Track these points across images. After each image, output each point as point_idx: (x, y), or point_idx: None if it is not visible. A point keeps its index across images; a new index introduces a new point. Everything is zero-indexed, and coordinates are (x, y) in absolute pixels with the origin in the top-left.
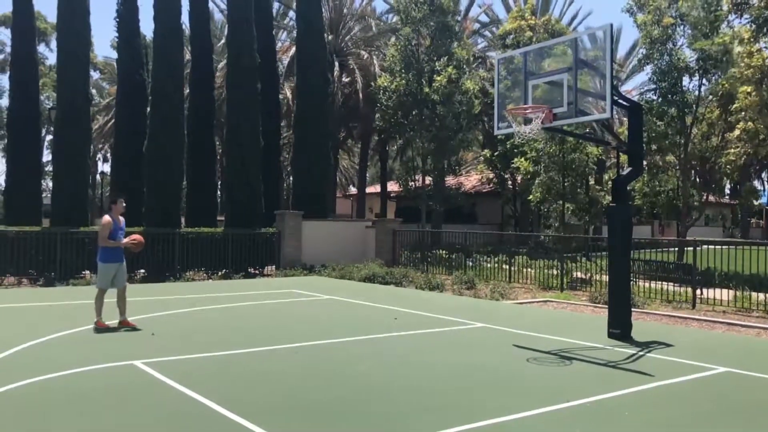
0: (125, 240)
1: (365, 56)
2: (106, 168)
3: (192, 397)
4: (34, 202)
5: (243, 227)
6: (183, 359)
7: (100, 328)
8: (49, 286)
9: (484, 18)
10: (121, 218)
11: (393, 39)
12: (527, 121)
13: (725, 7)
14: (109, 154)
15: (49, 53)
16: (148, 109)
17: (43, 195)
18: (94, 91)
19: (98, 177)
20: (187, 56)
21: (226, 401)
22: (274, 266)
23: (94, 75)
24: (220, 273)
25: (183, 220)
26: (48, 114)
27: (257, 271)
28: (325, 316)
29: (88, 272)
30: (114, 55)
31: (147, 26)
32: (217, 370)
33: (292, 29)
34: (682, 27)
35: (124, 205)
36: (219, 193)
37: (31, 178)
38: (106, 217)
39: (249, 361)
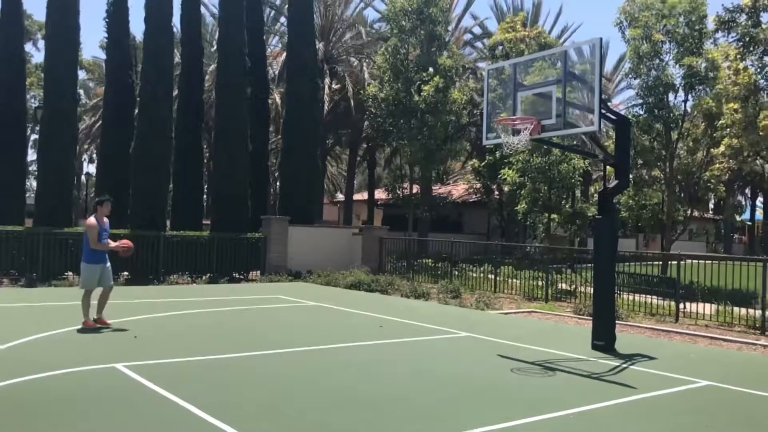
0: (114, 244)
1: (356, 63)
2: (92, 169)
3: (173, 401)
4: (17, 202)
5: (229, 231)
6: (165, 363)
7: (87, 328)
8: (31, 286)
9: (477, 30)
10: (106, 220)
11: (382, 48)
12: (516, 132)
13: (712, 25)
14: (95, 155)
15: (35, 52)
16: (136, 110)
17: (27, 195)
18: (81, 92)
19: (83, 178)
20: (177, 58)
21: (208, 406)
22: (259, 271)
23: (82, 75)
24: (204, 277)
25: (168, 222)
26: (34, 113)
27: (242, 276)
28: (310, 322)
29: (71, 273)
30: (102, 55)
31: (137, 27)
32: (200, 375)
33: (283, 35)
34: (669, 44)
35: (110, 207)
36: (205, 196)
37: (16, 177)
38: (92, 219)
39: (232, 367)
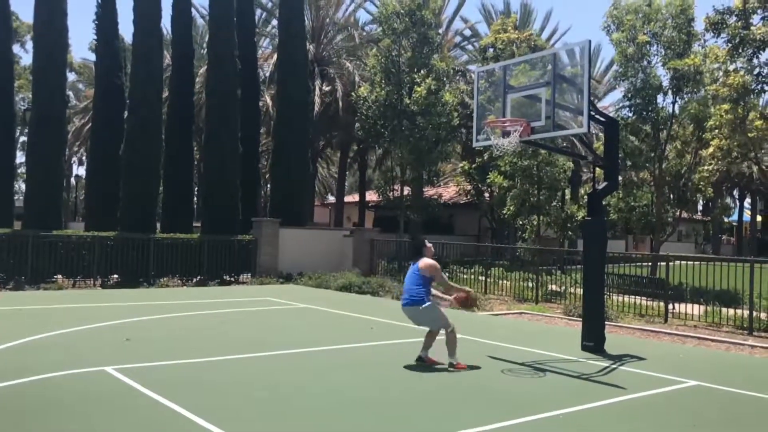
0: (452, 297)
1: (347, 65)
2: (82, 171)
3: (164, 404)
4: (5, 204)
5: (219, 234)
6: (155, 366)
7: (460, 369)
8: (19, 290)
9: (467, 32)
10: None
11: (374, 50)
12: (505, 134)
13: (702, 26)
14: (84, 157)
15: (23, 53)
16: (126, 112)
17: (16, 197)
18: (70, 94)
19: (73, 180)
20: (167, 60)
21: (198, 409)
22: (249, 274)
23: (71, 77)
24: (194, 280)
25: (158, 225)
26: (23, 115)
27: (232, 279)
28: (301, 325)
29: (60, 276)
30: (92, 57)
31: (127, 29)
32: (190, 378)
33: (274, 37)
34: (656, 46)
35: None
36: (196, 198)
37: (4, 179)
38: (434, 261)
39: (222, 369)
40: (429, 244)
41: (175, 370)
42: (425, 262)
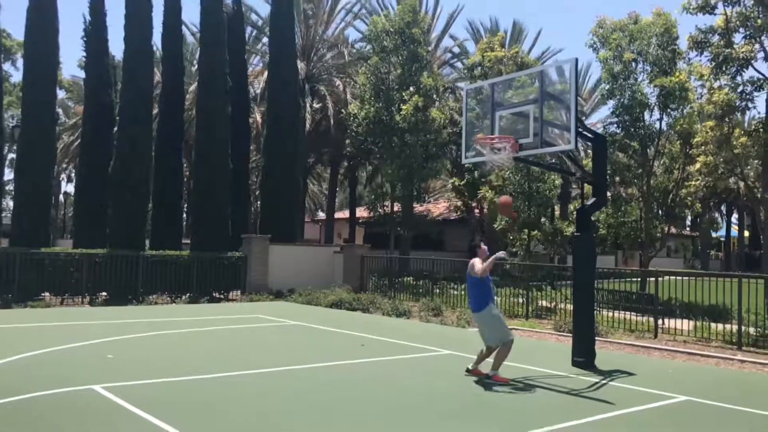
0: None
1: (337, 83)
2: (70, 188)
3: (153, 422)
4: None
5: (209, 251)
6: (144, 384)
7: (499, 383)
8: (6, 308)
9: (456, 50)
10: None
11: (363, 67)
12: (495, 151)
13: (685, 45)
14: (73, 174)
15: (14, 71)
16: (115, 129)
17: (3, 215)
18: (60, 111)
19: (62, 197)
20: (158, 77)
21: (188, 427)
22: (239, 291)
23: (61, 94)
24: (184, 297)
25: (147, 242)
26: (11, 132)
27: (222, 296)
28: (291, 342)
29: (47, 294)
30: (82, 74)
31: (116, 46)
32: (179, 396)
33: (265, 54)
34: (642, 63)
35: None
36: (185, 215)
37: None
38: (474, 260)
39: (211, 387)
40: (483, 246)
41: (164, 389)
42: (471, 263)
